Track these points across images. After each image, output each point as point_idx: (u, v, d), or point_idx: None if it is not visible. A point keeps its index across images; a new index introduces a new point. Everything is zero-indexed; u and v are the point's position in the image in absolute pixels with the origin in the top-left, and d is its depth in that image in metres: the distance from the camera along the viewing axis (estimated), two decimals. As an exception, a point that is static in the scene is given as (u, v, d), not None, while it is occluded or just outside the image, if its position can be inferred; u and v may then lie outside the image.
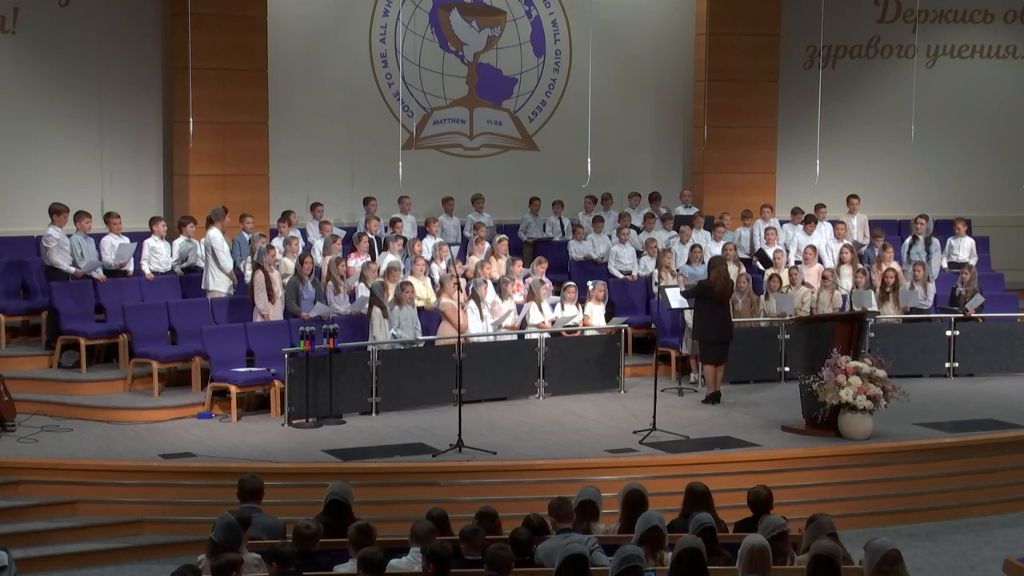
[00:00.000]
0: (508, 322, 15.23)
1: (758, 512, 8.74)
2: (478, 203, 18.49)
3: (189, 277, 15.57)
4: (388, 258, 15.95)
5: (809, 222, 18.27)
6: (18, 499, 11.56)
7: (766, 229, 17.87)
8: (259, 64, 17.36)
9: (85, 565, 11.04)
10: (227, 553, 7.49)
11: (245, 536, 7.95)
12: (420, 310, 15.06)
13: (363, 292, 15.05)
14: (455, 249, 17.02)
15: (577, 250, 17.90)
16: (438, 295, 15.37)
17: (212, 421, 13.69)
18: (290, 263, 15.38)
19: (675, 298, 14.70)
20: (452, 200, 18.29)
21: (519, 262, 16.37)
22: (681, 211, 18.87)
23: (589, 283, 16.02)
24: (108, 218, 15.48)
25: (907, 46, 20.66)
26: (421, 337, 14.75)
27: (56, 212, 14.87)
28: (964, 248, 18.30)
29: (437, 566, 7.39)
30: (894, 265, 16.98)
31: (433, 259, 16.35)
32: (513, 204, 19.09)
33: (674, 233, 17.93)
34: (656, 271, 16.41)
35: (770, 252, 17.28)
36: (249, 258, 15.55)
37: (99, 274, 15.14)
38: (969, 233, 18.51)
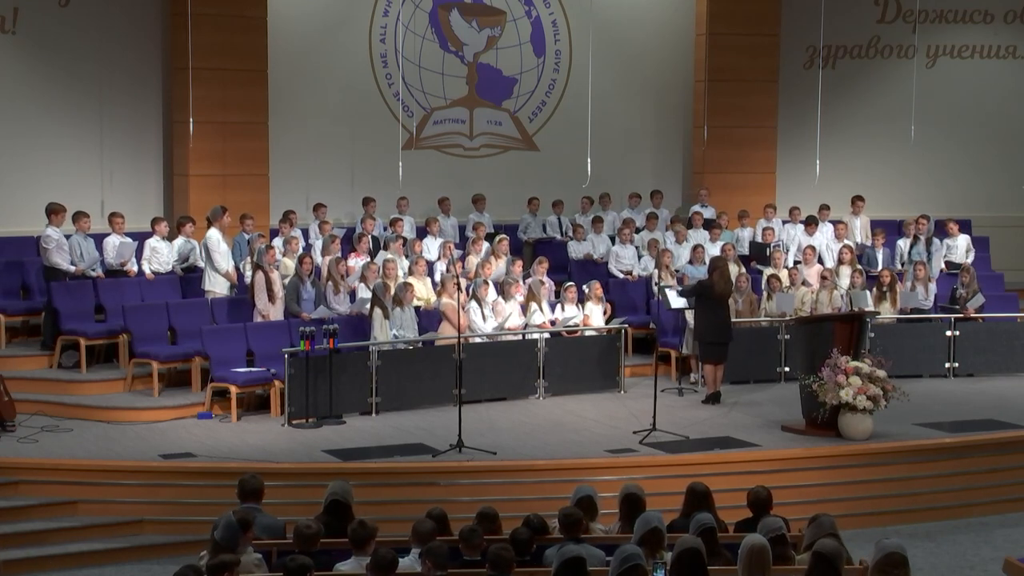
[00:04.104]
0: (510, 324, 15.20)
1: (758, 512, 8.74)
2: (479, 204, 18.48)
3: (189, 277, 15.57)
4: (385, 256, 15.96)
5: (811, 223, 18.26)
6: (18, 499, 11.56)
7: (764, 229, 17.89)
8: (259, 64, 17.34)
9: (85, 565, 11.04)
10: (224, 553, 7.48)
11: (247, 537, 7.93)
12: (417, 309, 15.06)
13: (363, 292, 15.04)
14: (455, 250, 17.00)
15: (577, 250, 17.88)
16: (438, 295, 15.36)
17: (212, 421, 13.69)
18: (290, 263, 15.37)
19: (675, 298, 14.70)
20: (449, 200, 18.28)
21: (519, 262, 16.36)
22: (698, 211, 18.76)
23: (585, 285, 16.01)
24: (111, 218, 15.49)
25: (907, 46, 20.65)
26: (421, 336, 14.75)
27: (53, 212, 14.86)
28: (960, 248, 18.29)
29: (435, 565, 7.39)
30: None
31: (440, 258, 16.34)
32: (513, 204, 19.06)
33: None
34: (656, 271, 16.40)
35: (767, 250, 17.28)
36: (249, 258, 15.56)
37: (99, 272, 15.15)
38: (963, 231, 18.49)
